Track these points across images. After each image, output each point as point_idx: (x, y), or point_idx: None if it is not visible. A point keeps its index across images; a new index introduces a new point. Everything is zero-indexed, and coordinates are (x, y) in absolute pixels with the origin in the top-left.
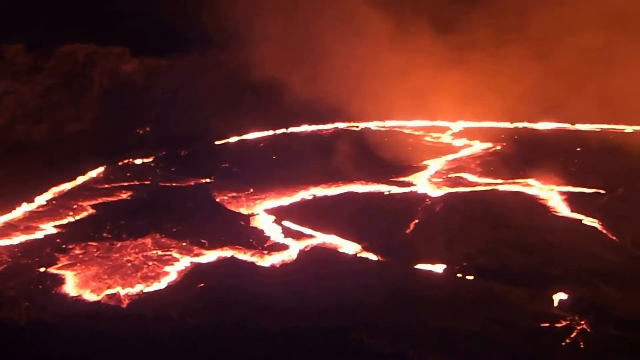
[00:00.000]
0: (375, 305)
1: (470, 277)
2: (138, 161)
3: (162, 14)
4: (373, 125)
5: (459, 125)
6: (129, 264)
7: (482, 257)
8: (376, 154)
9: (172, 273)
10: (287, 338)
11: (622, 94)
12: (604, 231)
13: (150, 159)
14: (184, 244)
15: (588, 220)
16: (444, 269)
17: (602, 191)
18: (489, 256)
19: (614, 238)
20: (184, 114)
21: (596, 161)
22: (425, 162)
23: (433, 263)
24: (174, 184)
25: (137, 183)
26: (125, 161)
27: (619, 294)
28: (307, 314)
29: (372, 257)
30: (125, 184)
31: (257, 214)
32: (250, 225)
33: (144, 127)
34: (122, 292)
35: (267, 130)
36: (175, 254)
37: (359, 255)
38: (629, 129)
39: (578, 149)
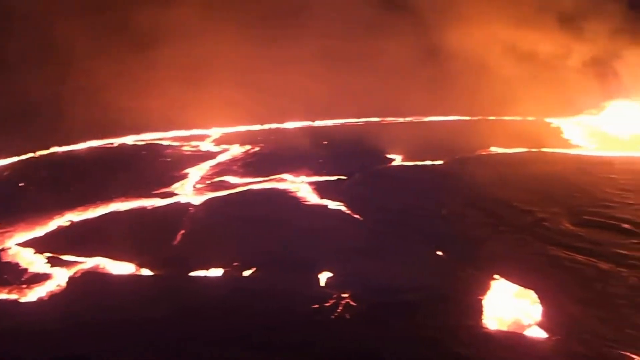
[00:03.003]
0: (156, 321)
1: (246, 274)
2: None
3: None
4: (130, 139)
5: (217, 131)
6: None
7: (250, 254)
8: (135, 168)
9: None
10: None
11: (358, 91)
12: (349, 212)
13: None
14: None
15: (334, 204)
16: (220, 273)
17: (343, 177)
18: (257, 252)
19: (358, 217)
20: None
21: (338, 151)
22: (186, 171)
23: (207, 268)
24: None
25: None
26: None
27: (372, 265)
28: (78, 340)
29: (148, 272)
30: None
31: (8, 249)
32: (3, 261)
33: None
34: None
35: (12, 157)
36: None
37: (134, 273)
38: (361, 121)
39: (325, 142)
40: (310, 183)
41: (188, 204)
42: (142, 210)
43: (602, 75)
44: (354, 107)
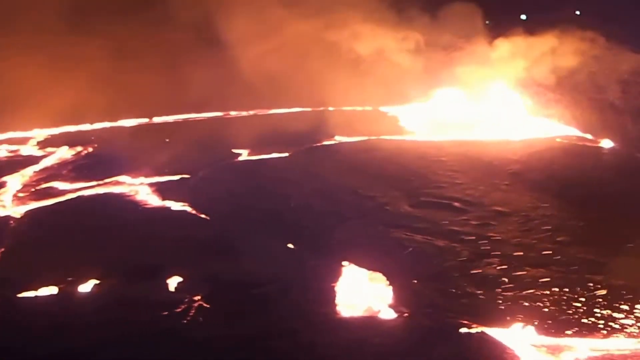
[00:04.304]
0: None
1: (84, 289)
2: None
3: None
4: None
5: (40, 133)
6: None
7: (87, 267)
8: None
9: None
10: None
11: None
12: (194, 212)
13: None
14: None
15: (178, 205)
16: (53, 291)
17: (187, 176)
18: (95, 263)
19: (204, 216)
20: None
21: (180, 149)
22: (3, 179)
23: (37, 288)
24: None
25: None
26: None
27: (223, 264)
28: None
29: None
30: None
31: None
32: None
33: None
34: None
35: None
36: None
37: None
38: (203, 116)
39: (167, 140)
40: (151, 184)
41: (7, 217)
42: None
43: (428, 64)
44: (194, 101)
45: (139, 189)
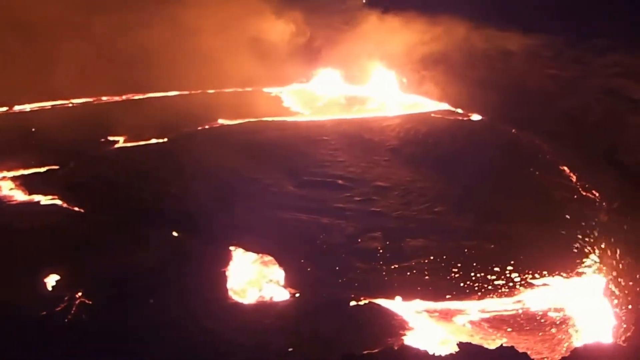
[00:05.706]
0: None
1: None
2: None
3: None
4: None
5: None
6: None
7: None
8: None
9: None
10: None
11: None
12: (66, 205)
13: None
14: None
15: (47, 199)
16: None
17: (55, 167)
18: None
19: (77, 209)
20: None
21: (49, 138)
22: None
23: None
24: None
25: None
26: None
27: (102, 258)
28: None
29: None
30: None
31: None
32: None
33: None
34: None
35: None
36: None
37: None
38: (74, 102)
39: (33, 130)
40: (14, 178)
41: None
42: None
43: (307, 47)
44: (64, 88)
45: (1, 184)
